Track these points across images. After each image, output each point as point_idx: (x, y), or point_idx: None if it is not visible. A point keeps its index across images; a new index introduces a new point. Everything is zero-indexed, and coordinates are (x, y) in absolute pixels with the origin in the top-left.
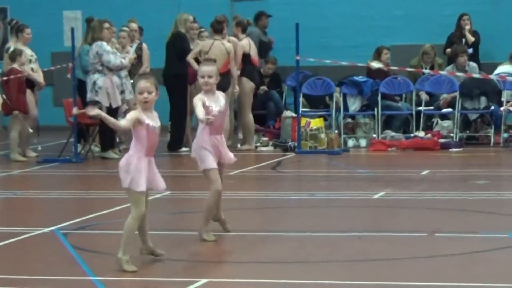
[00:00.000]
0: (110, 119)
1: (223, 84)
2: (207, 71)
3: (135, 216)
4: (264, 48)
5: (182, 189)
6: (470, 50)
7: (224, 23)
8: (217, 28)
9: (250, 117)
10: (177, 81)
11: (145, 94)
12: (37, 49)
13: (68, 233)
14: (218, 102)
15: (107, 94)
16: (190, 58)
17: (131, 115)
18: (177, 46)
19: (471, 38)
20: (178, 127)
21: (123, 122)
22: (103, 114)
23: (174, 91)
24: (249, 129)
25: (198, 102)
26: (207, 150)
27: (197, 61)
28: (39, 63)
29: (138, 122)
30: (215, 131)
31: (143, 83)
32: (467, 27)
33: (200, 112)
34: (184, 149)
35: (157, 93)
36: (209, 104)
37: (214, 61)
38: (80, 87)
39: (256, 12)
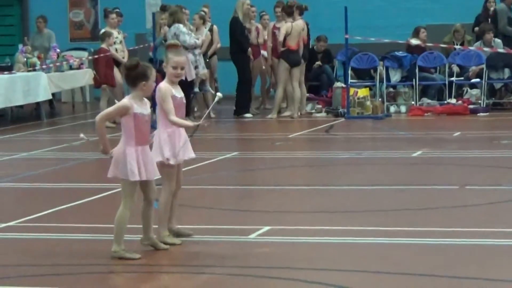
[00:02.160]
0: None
1: (297, 59)
2: (181, 62)
3: (129, 207)
4: None
5: (248, 150)
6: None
7: (294, 7)
8: (288, 12)
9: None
10: (240, 56)
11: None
12: (123, 31)
13: None
14: (179, 90)
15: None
16: (281, 40)
17: (123, 102)
18: (234, 29)
19: None
20: (243, 95)
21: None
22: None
23: (238, 65)
24: (277, 100)
25: (168, 97)
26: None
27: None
28: (125, 43)
29: (126, 110)
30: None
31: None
32: (492, 8)
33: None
34: (247, 115)
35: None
36: (175, 93)
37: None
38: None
39: None
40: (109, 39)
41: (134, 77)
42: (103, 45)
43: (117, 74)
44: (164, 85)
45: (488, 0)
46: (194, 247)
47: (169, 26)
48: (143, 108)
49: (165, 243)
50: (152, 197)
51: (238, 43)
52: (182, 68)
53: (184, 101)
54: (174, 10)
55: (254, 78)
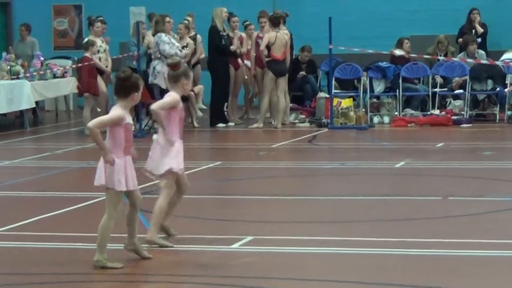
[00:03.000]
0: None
1: (283, 69)
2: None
3: (113, 216)
4: None
5: (231, 159)
6: (479, 40)
7: (280, 17)
8: (275, 22)
9: (265, 100)
10: (217, 66)
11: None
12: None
13: None
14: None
15: (163, 78)
16: (262, 49)
17: (118, 112)
18: (211, 38)
19: (480, 29)
20: (217, 105)
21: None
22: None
23: (214, 74)
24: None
25: (170, 105)
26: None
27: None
28: (109, 51)
29: (121, 121)
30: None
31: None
32: (477, 19)
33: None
34: (221, 124)
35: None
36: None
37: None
38: None
39: None
40: (93, 48)
41: (128, 87)
42: (87, 54)
43: (101, 83)
44: (177, 96)
45: (472, 12)
46: (176, 256)
47: (154, 35)
48: (130, 118)
49: (157, 244)
50: (138, 203)
51: (216, 51)
52: None
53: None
54: (156, 19)
55: (237, 88)
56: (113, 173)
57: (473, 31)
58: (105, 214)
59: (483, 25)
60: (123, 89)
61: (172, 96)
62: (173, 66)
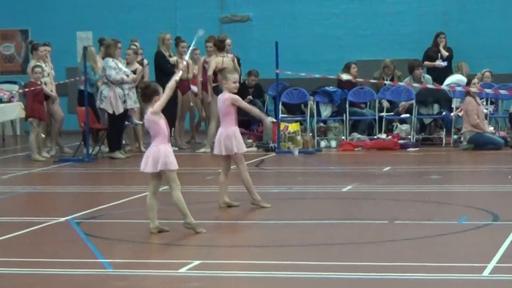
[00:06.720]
0: None
1: None
2: (237, 78)
3: (178, 188)
4: None
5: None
6: (445, 63)
7: (225, 41)
8: (220, 46)
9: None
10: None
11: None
12: (53, 65)
13: (80, 222)
14: None
15: (110, 102)
16: (210, 74)
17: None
18: (157, 63)
19: (445, 53)
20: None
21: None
22: None
23: None
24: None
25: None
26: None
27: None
28: (55, 76)
29: (160, 116)
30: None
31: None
32: (442, 44)
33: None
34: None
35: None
36: None
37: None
38: (80, 98)
39: None
40: (34, 74)
41: (149, 94)
42: (32, 79)
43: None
44: (232, 95)
45: (439, 36)
46: (124, 281)
47: (103, 58)
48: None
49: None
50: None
51: (162, 76)
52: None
53: None
54: (107, 43)
55: (183, 113)
56: (169, 156)
57: (439, 54)
58: (173, 190)
59: (448, 49)
60: (146, 96)
61: (232, 97)
62: (222, 69)
